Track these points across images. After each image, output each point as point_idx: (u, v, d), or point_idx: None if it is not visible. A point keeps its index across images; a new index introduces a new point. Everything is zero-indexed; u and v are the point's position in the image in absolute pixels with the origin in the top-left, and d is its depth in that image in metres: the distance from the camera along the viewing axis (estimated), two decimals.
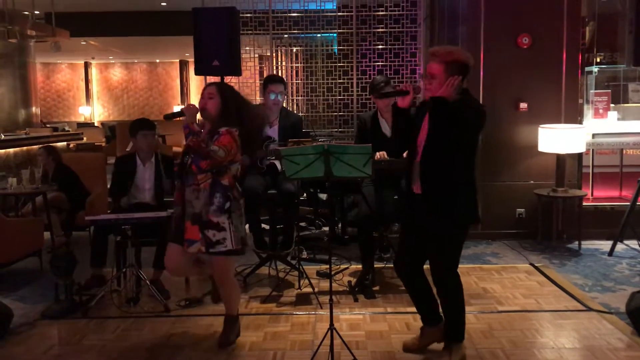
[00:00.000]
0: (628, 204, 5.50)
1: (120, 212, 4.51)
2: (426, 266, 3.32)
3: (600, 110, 6.01)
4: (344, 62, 7.35)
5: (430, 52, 3.15)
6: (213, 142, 3.34)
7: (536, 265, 5.10)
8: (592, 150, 6.08)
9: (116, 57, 20.53)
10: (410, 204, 3.25)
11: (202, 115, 3.49)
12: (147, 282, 4.26)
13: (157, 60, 21.67)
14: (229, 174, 3.44)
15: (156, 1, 12.99)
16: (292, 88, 7.79)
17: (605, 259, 5.29)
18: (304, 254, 5.25)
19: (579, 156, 5.89)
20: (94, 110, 21.78)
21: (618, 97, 6.35)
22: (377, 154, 4.29)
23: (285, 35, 7.52)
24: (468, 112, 3.02)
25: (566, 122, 5.78)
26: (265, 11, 7.21)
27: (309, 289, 4.46)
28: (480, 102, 5.82)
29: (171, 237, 3.54)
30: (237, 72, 6.04)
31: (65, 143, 12.10)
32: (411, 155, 3.20)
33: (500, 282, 4.67)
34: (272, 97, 4.69)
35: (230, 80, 6.93)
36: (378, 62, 7.23)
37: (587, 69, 6.06)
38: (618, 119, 6.05)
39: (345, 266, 5.05)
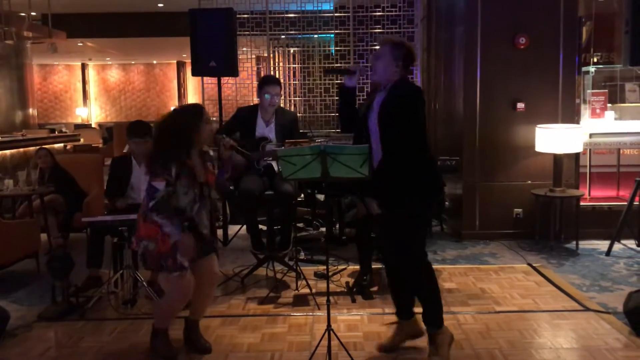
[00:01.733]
0: (625, 203, 5.51)
1: (116, 213, 4.50)
2: None
3: (598, 110, 6.02)
4: (341, 63, 7.35)
5: (380, 37, 3.35)
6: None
7: (534, 265, 5.10)
8: (590, 150, 6.09)
9: (113, 59, 20.51)
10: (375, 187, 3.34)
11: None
12: (145, 283, 4.24)
13: (155, 62, 21.66)
14: None
15: (153, 2, 12.98)
16: (289, 89, 7.79)
17: (603, 259, 5.29)
18: (302, 255, 5.25)
19: (576, 156, 5.89)
20: (91, 112, 21.77)
21: (615, 97, 6.35)
22: None
23: (283, 36, 7.52)
24: (403, 96, 3.18)
25: (563, 122, 5.78)
26: (262, 12, 7.22)
27: (306, 290, 4.45)
28: (477, 102, 5.86)
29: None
30: (234, 72, 6.05)
31: (62, 144, 12.08)
32: (365, 138, 3.31)
33: (497, 283, 4.67)
34: (268, 98, 4.68)
35: (228, 81, 6.95)
36: None
37: (584, 69, 6.07)
38: (615, 119, 6.06)
39: (343, 267, 5.05)
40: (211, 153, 3.55)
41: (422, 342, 3.44)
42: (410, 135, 3.18)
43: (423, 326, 3.40)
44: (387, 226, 3.36)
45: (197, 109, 3.49)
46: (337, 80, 7.37)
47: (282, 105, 4.88)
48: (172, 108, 3.68)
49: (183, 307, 3.56)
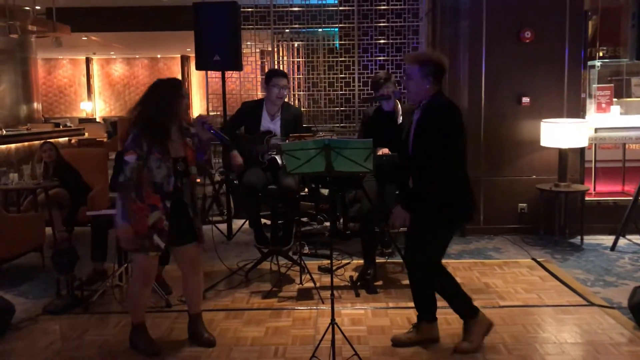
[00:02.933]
0: (630, 198, 5.49)
1: None
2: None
3: (603, 105, 5.99)
4: (345, 57, 7.33)
5: (406, 56, 3.31)
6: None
7: (538, 260, 5.09)
8: (595, 144, 6.06)
9: (117, 53, 20.52)
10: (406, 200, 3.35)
11: None
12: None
13: (159, 56, 21.66)
14: None
15: None
16: (293, 83, 7.77)
17: (608, 254, 5.27)
18: (306, 249, 5.25)
19: (581, 151, 5.87)
20: (96, 106, 21.79)
21: (621, 92, 6.32)
22: (380, 149, 4.27)
23: (287, 30, 7.50)
24: (433, 114, 3.16)
25: (569, 116, 5.76)
26: (266, 6, 7.20)
27: (310, 284, 4.46)
28: (482, 96, 5.83)
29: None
30: (238, 67, 6.04)
31: (67, 139, 12.11)
32: (402, 153, 3.36)
33: (502, 277, 4.66)
34: (276, 91, 4.65)
35: (232, 75, 6.94)
36: (380, 56, 7.21)
37: (589, 63, 6.03)
38: (621, 114, 6.03)
39: (347, 261, 5.05)
40: (192, 131, 3.51)
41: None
42: (442, 153, 3.12)
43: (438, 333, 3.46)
44: (410, 230, 3.37)
45: (175, 82, 3.48)
46: (341, 75, 7.35)
47: (286, 99, 4.86)
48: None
49: (148, 293, 3.53)
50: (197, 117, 3.55)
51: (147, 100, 3.35)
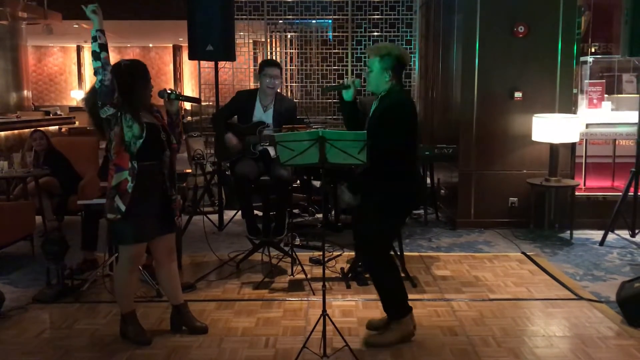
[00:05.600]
0: (620, 194, 5.53)
1: None
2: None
3: (595, 101, 6.02)
4: (338, 49, 7.32)
5: (369, 48, 3.42)
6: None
7: (528, 254, 5.12)
8: (586, 140, 6.10)
9: (109, 41, 20.05)
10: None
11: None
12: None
13: (151, 45, 21.50)
14: None
15: None
16: (286, 74, 7.75)
17: (597, 249, 5.32)
18: (297, 241, 5.25)
19: (572, 146, 5.90)
20: None
21: (612, 88, 6.35)
22: None
23: (280, 21, 7.47)
24: (387, 107, 3.26)
25: (560, 111, 5.78)
26: None
27: (301, 276, 4.46)
28: (475, 90, 5.84)
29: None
30: (231, 57, 6.01)
31: (57, 127, 12.02)
32: None
33: (492, 271, 4.69)
34: (268, 81, 4.64)
35: (224, 65, 6.91)
36: None
37: (581, 58, 6.06)
38: (612, 110, 6.06)
39: (338, 253, 5.06)
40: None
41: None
42: (393, 147, 3.21)
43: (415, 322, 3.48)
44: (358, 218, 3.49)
45: (142, 67, 3.43)
46: (334, 67, 7.34)
47: (279, 90, 4.84)
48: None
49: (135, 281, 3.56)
50: (159, 91, 3.52)
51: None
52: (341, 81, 3.26)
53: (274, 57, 8.07)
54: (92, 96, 3.26)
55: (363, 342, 3.39)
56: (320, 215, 6.14)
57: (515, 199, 5.94)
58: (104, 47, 3.23)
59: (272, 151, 4.61)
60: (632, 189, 5.44)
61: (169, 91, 3.51)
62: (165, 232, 3.46)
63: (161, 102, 3.60)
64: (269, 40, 7.51)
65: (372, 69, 3.31)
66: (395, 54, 3.28)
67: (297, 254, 4.59)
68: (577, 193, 5.82)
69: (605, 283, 4.42)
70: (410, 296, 3.47)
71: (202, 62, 7.00)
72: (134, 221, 3.28)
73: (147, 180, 3.30)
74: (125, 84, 3.25)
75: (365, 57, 7.20)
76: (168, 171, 3.41)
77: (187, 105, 14.35)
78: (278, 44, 8.41)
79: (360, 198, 3.34)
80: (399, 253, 4.51)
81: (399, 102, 3.28)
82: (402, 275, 4.31)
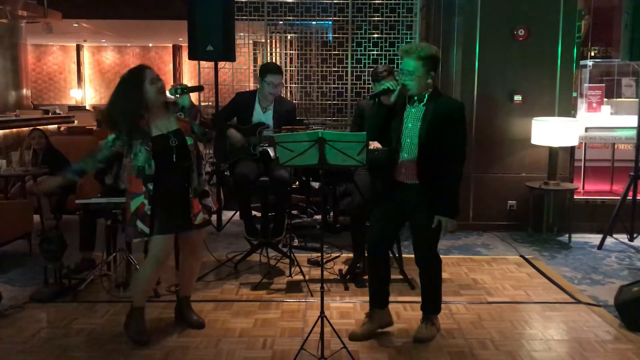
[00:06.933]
0: (618, 198, 5.54)
1: (109, 194, 4.45)
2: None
3: (594, 104, 6.03)
4: (338, 50, 7.31)
5: (403, 49, 3.31)
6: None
7: (526, 257, 5.12)
8: (585, 143, 6.11)
9: (109, 41, 20.33)
10: (393, 192, 3.39)
11: None
12: (137, 266, 4.24)
13: (150, 45, 21.47)
14: None
15: None
16: (286, 75, 7.74)
17: (595, 253, 5.32)
18: (296, 242, 5.25)
19: (571, 149, 5.91)
20: (86, 94, 21.59)
21: (612, 92, 6.36)
22: (371, 143, 4.27)
23: (280, 22, 7.46)
24: (446, 108, 3.26)
25: (560, 115, 5.79)
26: None
27: (299, 277, 4.46)
28: (475, 93, 5.85)
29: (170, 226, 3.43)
30: (231, 57, 6.01)
31: (56, 126, 12.00)
32: (393, 146, 3.36)
33: (490, 274, 4.69)
34: (271, 89, 4.59)
35: (224, 65, 6.90)
36: (373, 50, 7.20)
37: (581, 62, 6.07)
38: (611, 114, 6.07)
39: (337, 254, 5.05)
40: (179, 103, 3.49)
41: (393, 329, 3.57)
42: (457, 149, 3.27)
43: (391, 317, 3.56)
44: (391, 229, 3.47)
45: (137, 71, 3.44)
46: (333, 67, 7.33)
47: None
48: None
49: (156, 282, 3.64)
50: (169, 90, 3.52)
51: (113, 97, 3.38)
52: (389, 86, 3.21)
53: (273, 59, 8.04)
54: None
55: (413, 338, 3.44)
56: (318, 217, 6.14)
57: (514, 202, 5.94)
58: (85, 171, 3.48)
59: (271, 152, 4.61)
60: (630, 193, 5.44)
61: (176, 87, 3.47)
62: (188, 229, 3.47)
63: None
64: (269, 41, 7.50)
65: (414, 72, 3.21)
66: (438, 56, 3.31)
67: (295, 255, 4.59)
68: (575, 197, 5.82)
69: (604, 287, 4.42)
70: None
71: (202, 62, 6.99)
72: (157, 216, 3.32)
73: (165, 192, 3.34)
74: (116, 124, 3.32)
75: (365, 59, 7.20)
76: (187, 174, 3.41)
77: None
78: (278, 45, 8.40)
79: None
80: (397, 255, 4.52)
81: (461, 103, 3.37)
82: (401, 277, 4.34)
